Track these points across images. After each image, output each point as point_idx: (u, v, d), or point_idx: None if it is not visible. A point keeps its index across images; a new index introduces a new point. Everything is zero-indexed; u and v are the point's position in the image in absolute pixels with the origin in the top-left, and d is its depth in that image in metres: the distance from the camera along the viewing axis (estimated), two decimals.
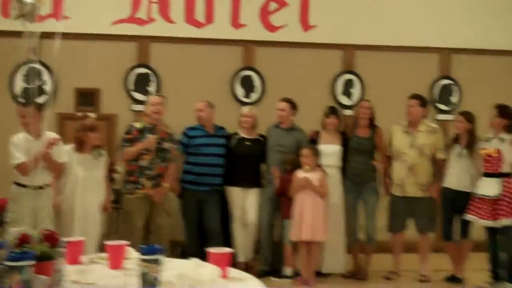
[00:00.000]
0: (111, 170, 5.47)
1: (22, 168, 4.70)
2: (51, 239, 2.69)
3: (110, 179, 5.42)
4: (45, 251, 2.58)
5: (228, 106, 6.67)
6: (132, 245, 3.26)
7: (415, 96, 5.92)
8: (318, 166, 5.60)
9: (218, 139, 5.89)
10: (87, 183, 5.07)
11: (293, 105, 5.97)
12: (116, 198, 5.64)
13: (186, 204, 5.84)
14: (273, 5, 7.01)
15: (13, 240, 2.62)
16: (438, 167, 5.79)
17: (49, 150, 4.62)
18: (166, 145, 5.52)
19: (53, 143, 4.68)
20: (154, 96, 5.90)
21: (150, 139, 5.38)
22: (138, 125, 5.53)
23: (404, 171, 5.74)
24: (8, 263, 2.40)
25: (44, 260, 2.55)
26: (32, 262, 2.45)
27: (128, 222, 5.38)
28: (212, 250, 2.98)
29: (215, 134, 5.91)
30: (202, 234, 5.78)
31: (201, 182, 5.75)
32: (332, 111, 5.97)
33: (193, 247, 5.65)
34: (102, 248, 3.44)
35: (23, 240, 2.61)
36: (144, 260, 2.66)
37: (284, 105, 5.93)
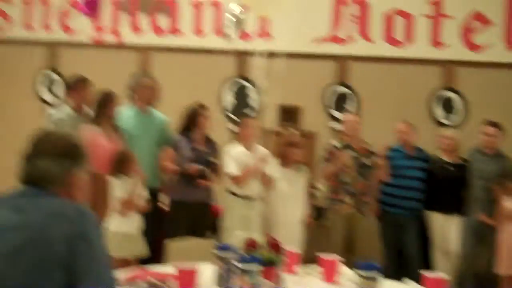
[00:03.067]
0: (311, 186, 5.60)
1: (236, 180, 5.04)
2: (275, 246, 2.84)
3: (310, 195, 5.55)
4: (271, 257, 2.73)
5: (425, 127, 6.50)
6: None
7: None
8: None
9: (418, 162, 5.73)
10: (289, 197, 5.23)
11: (502, 131, 5.67)
12: (316, 214, 5.76)
13: (384, 227, 5.75)
14: (476, 24, 6.75)
15: (242, 245, 2.82)
16: None
17: (261, 165, 4.89)
18: (366, 160, 5.52)
19: (265, 159, 4.96)
20: (349, 114, 5.94)
21: (343, 156, 5.43)
22: (336, 143, 5.63)
23: None
24: (241, 266, 2.58)
25: (269, 266, 2.71)
26: (260, 267, 2.61)
27: (329, 239, 5.45)
28: (427, 274, 2.92)
29: (415, 156, 5.76)
30: (401, 258, 5.64)
31: (400, 205, 5.63)
32: None
33: (391, 270, 5.56)
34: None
35: (251, 245, 2.79)
36: (361, 276, 2.69)
37: (492, 130, 5.62)
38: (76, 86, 5.18)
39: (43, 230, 1.78)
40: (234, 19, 5.57)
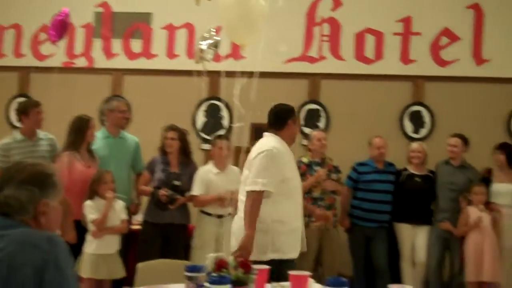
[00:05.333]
0: None
1: (196, 201, 5.12)
2: (244, 266, 2.90)
3: None
4: (241, 277, 2.79)
5: (396, 141, 6.63)
6: None
7: None
8: (489, 204, 5.45)
9: (388, 176, 5.88)
10: None
11: (465, 141, 5.82)
12: None
13: (354, 240, 5.88)
14: (444, 40, 6.92)
15: (211, 265, 2.88)
16: None
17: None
18: (334, 176, 5.67)
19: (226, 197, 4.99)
20: (318, 131, 6.04)
21: (320, 172, 5.53)
22: (305, 160, 5.72)
23: None
24: (209, 286, 2.64)
25: (238, 285, 2.77)
26: (229, 286, 2.68)
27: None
28: (395, 287, 2.98)
29: (385, 170, 5.90)
30: (370, 270, 5.78)
31: (369, 218, 5.75)
32: (501, 147, 5.73)
33: (360, 282, 5.68)
34: None
35: (221, 265, 2.86)
36: None
37: (456, 140, 5.79)
38: (26, 110, 5.10)
39: (12, 259, 1.82)
40: (209, 42, 5.64)
